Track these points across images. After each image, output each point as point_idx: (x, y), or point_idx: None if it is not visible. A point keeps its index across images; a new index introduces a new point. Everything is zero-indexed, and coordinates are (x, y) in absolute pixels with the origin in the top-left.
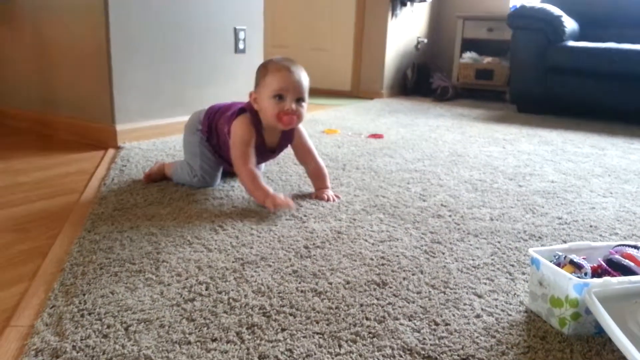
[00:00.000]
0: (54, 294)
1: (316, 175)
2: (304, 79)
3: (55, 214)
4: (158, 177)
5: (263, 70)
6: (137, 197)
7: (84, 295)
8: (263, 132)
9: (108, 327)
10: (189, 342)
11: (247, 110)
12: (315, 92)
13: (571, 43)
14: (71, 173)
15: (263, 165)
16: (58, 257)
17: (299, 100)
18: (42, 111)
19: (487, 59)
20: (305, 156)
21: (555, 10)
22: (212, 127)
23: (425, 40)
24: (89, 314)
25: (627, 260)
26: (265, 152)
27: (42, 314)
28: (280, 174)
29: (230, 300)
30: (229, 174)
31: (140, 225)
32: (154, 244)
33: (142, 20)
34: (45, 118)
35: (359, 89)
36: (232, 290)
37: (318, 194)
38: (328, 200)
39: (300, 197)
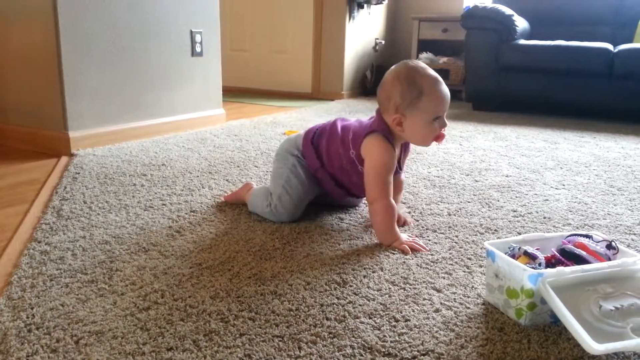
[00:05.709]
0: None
1: (399, 191)
2: None
3: (3, 226)
4: (235, 201)
5: (413, 89)
6: (90, 205)
7: (32, 309)
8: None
9: (57, 341)
10: (143, 353)
11: (379, 130)
12: (276, 95)
13: (522, 42)
14: (21, 183)
15: None
16: (5, 271)
17: None
18: None
19: (443, 59)
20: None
21: (507, 10)
22: (320, 152)
23: (383, 42)
24: (37, 329)
25: (579, 250)
26: (397, 171)
27: None
28: (240, 176)
29: (187, 307)
30: (322, 202)
31: (94, 233)
32: (108, 253)
33: (94, 22)
34: None
35: (320, 91)
36: (189, 296)
37: (406, 219)
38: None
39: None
